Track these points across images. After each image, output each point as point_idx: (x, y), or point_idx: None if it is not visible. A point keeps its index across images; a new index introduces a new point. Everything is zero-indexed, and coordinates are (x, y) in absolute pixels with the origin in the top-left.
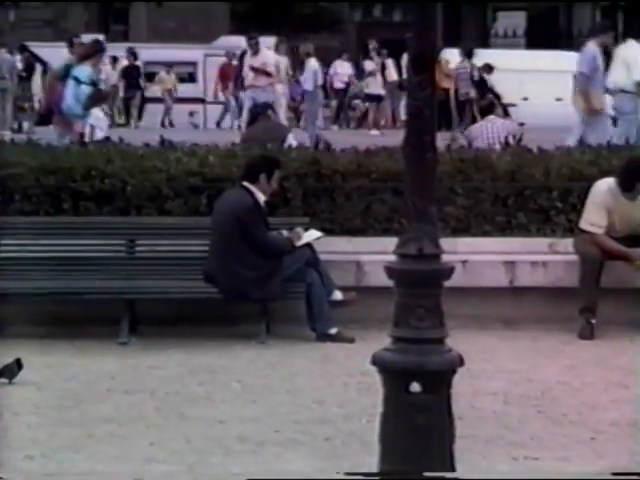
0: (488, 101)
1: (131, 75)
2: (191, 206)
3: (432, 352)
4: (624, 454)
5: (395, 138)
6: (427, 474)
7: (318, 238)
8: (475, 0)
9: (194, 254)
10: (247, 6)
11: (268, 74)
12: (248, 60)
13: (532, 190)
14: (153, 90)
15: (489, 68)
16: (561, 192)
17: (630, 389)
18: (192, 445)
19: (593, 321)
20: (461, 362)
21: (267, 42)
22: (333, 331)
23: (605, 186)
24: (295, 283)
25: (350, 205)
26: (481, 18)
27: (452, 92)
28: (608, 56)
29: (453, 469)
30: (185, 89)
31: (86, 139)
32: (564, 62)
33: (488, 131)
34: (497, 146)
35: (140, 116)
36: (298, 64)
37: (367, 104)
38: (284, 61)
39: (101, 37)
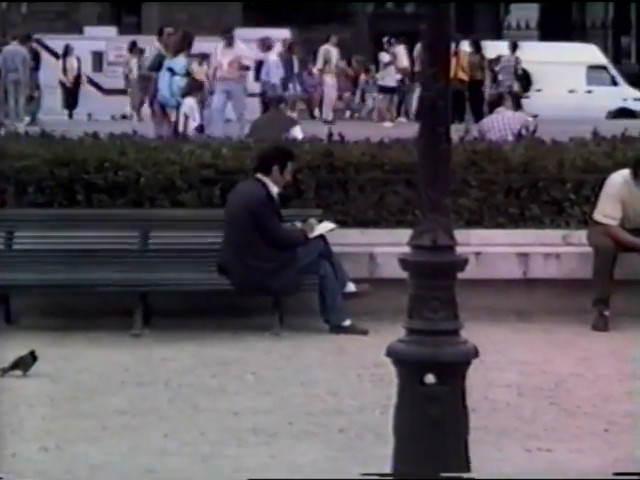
0: (496, 94)
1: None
2: (204, 198)
3: (446, 344)
4: (638, 446)
5: (407, 130)
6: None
7: (331, 230)
8: None
9: (207, 246)
10: None
11: (243, 67)
12: (222, 52)
13: (545, 182)
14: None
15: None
16: (575, 184)
17: None
18: (205, 437)
19: (606, 313)
20: (476, 353)
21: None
22: (346, 323)
23: (620, 178)
24: (308, 275)
25: (363, 197)
26: (494, 10)
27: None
28: None
29: (467, 461)
30: None
31: (180, 128)
32: (577, 54)
33: (499, 123)
34: (509, 138)
35: None
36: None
37: (381, 96)
38: (335, 52)
39: (113, 29)
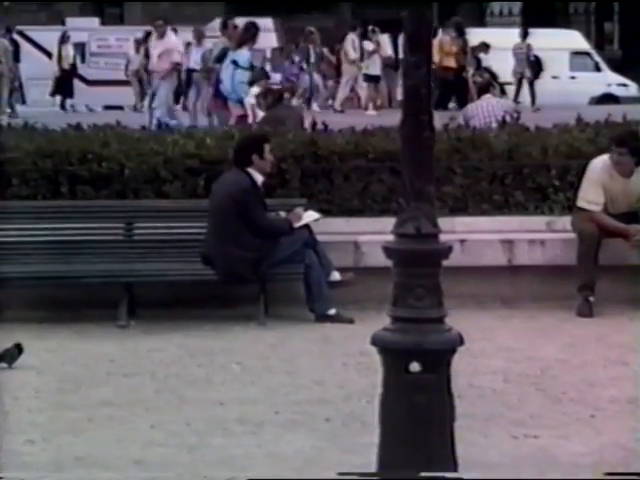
0: (485, 81)
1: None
2: (189, 188)
3: (431, 331)
4: (624, 431)
5: (391, 118)
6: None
7: (317, 219)
8: None
9: (192, 236)
10: None
11: (173, 63)
12: (152, 44)
13: (530, 168)
14: None
15: (485, 47)
16: (559, 170)
17: (629, 366)
18: (192, 427)
19: (591, 299)
20: (461, 341)
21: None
22: (332, 312)
23: (601, 163)
24: (293, 264)
25: (348, 186)
26: None
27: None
28: None
29: (453, 448)
30: None
31: (249, 120)
32: (560, 40)
33: (484, 110)
34: (494, 125)
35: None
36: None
37: (365, 84)
38: (357, 41)
39: (96, 20)
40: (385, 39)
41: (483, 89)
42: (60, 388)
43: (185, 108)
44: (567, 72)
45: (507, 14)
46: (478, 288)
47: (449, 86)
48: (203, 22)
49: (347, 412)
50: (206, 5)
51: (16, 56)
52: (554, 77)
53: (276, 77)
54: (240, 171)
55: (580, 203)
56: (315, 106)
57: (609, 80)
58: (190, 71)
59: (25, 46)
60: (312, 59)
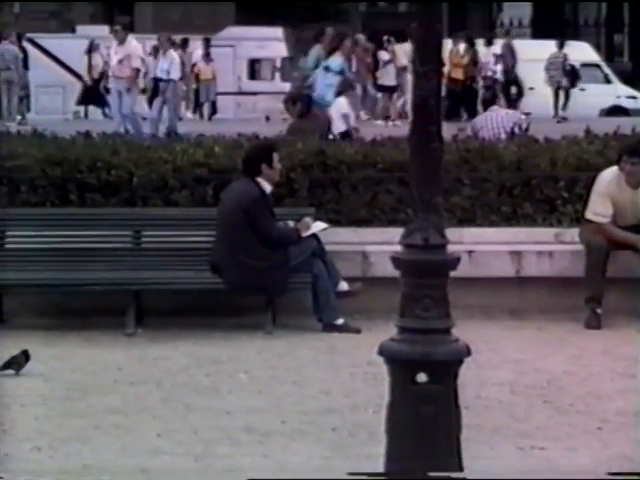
0: (490, 93)
1: None
2: (197, 197)
3: (438, 342)
4: (630, 443)
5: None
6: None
7: (324, 229)
8: None
9: (200, 245)
10: None
11: (133, 69)
12: (113, 50)
13: (538, 180)
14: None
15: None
16: (567, 182)
17: (636, 378)
18: (199, 436)
19: (599, 311)
20: (468, 352)
21: (275, 32)
22: (339, 322)
23: (610, 176)
24: (301, 274)
25: (356, 196)
26: (487, 8)
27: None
28: None
29: (460, 459)
30: None
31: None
32: (570, 52)
33: (492, 122)
34: (502, 136)
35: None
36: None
37: (379, 95)
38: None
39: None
40: (400, 49)
41: (488, 101)
42: (67, 396)
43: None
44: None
45: (517, 25)
46: (486, 299)
47: (457, 97)
48: (213, 31)
49: (354, 422)
50: (217, 15)
51: (25, 64)
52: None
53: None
54: (249, 180)
55: (588, 215)
56: (362, 114)
57: (619, 92)
58: (157, 80)
59: (34, 53)
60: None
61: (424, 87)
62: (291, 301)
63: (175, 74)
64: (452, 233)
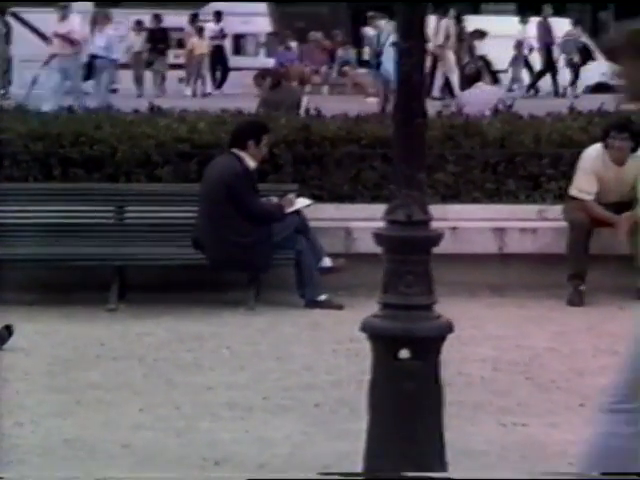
0: (475, 69)
1: (156, 40)
2: (180, 173)
3: (421, 319)
4: None
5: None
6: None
7: (308, 205)
8: None
9: (183, 221)
10: None
11: (73, 42)
12: (54, 26)
13: (522, 157)
14: (176, 56)
15: (480, 34)
16: (551, 159)
17: (619, 355)
18: (180, 411)
19: (582, 288)
20: (450, 328)
21: (259, 7)
22: (322, 298)
23: (594, 152)
24: (284, 250)
25: (339, 172)
26: None
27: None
28: None
29: (441, 435)
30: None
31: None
32: (554, 29)
33: (477, 98)
34: (487, 112)
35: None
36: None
37: (366, 71)
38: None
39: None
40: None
41: (473, 78)
42: (49, 371)
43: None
44: (561, 60)
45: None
46: (469, 276)
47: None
48: (197, 7)
49: (336, 398)
50: None
51: (7, 38)
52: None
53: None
54: (233, 156)
55: (572, 192)
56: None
57: (604, 69)
58: (93, 57)
59: (18, 28)
60: None
61: (407, 63)
62: (274, 277)
63: (116, 53)
64: (435, 209)
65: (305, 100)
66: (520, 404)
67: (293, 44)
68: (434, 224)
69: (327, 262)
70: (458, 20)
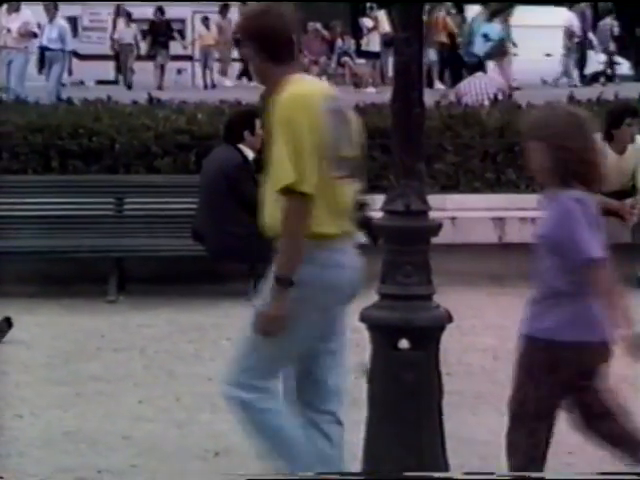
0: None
1: (158, 32)
2: (180, 164)
3: (420, 309)
4: None
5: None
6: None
7: None
8: None
9: (183, 212)
10: None
11: (30, 34)
12: (5, 19)
13: (521, 146)
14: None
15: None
16: None
17: (619, 345)
18: (181, 403)
19: None
20: (449, 319)
21: None
22: None
23: None
24: None
25: None
26: None
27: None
28: None
29: (441, 425)
30: (173, 46)
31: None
32: (554, 17)
33: (477, 87)
34: (486, 102)
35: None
36: None
37: (364, 61)
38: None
39: None
40: (383, 15)
41: (475, 67)
42: (49, 363)
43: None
44: (560, 50)
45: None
46: (468, 265)
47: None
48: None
49: None
50: None
51: None
52: (547, 55)
53: None
54: (231, 147)
55: None
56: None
57: (602, 58)
58: (43, 49)
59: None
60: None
61: (405, 53)
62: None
63: (69, 44)
64: (435, 199)
65: None
66: None
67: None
68: (433, 214)
69: None
70: (460, 9)
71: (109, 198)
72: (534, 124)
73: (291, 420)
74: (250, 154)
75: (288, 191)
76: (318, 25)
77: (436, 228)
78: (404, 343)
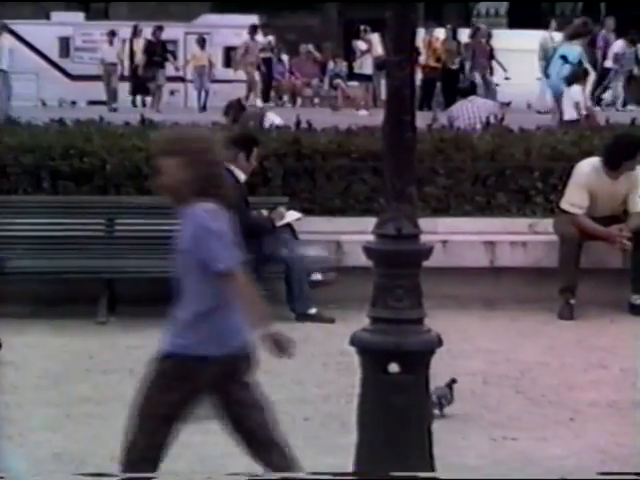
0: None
1: (154, 52)
2: None
3: (410, 332)
4: (603, 435)
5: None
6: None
7: (298, 219)
8: None
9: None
10: None
11: None
12: None
13: (512, 170)
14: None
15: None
16: (542, 172)
17: (609, 369)
18: None
19: (573, 301)
20: (439, 342)
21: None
22: (312, 311)
23: (588, 167)
24: (274, 263)
25: (330, 185)
26: None
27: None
28: None
29: (431, 449)
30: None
31: (566, 117)
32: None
33: (469, 111)
34: (478, 126)
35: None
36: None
37: (357, 84)
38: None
39: (81, 15)
40: (376, 38)
41: (467, 91)
42: (38, 384)
43: None
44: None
45: (494, 14)
46: (459, 289)
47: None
48: (188, 19)
49: (326, 412)
50: (192, 3)
51: None
52: (539, 79)
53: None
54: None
55: (564, 205)
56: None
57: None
58: None
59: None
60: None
61: (397, 76)
62: (264, 290)
63: (4, 64)
64: (426, 223)
65: (270, 115)
66: (510, 418)
67: (284, 57)
68: (424, 238)
69: (317, 275)
70: (454, 34)
71: (100, 219)
72: (168, 141)
73: None
74: (242, 176)
75: None
76: (310, 47)
77: (427, 252)
78: (394, 367)
